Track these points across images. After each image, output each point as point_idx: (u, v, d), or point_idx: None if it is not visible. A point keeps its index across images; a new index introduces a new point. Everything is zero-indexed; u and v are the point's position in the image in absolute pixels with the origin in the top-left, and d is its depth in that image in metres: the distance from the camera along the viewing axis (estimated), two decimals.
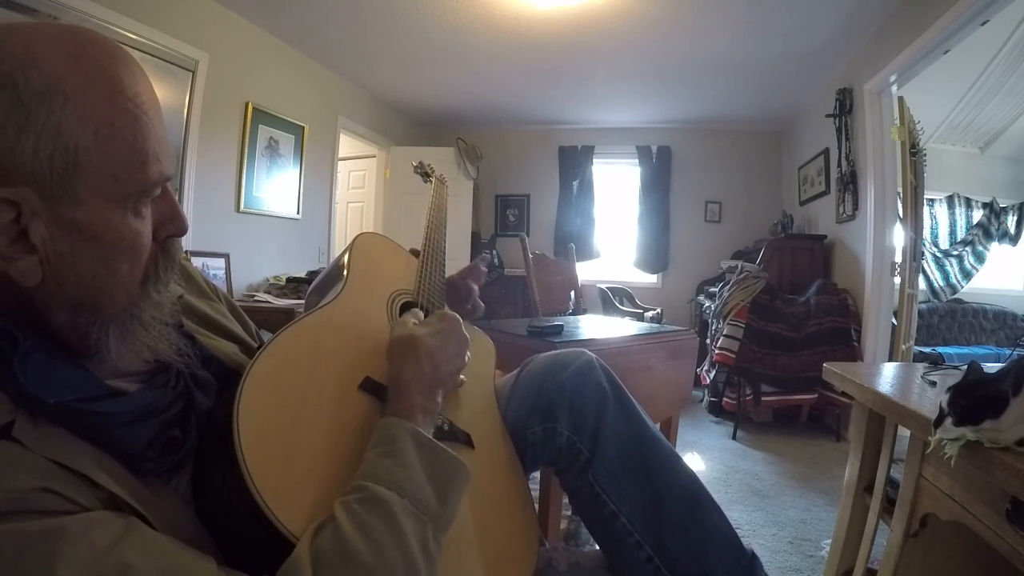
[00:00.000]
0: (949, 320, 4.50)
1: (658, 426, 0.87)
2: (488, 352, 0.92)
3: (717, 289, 3.61)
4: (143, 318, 0.50)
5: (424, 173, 1.30)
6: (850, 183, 3.14)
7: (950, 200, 4.67)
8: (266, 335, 0.61)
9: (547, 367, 0.85)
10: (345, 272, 0.80)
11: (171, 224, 0.51)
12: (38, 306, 0.45)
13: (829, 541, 1.36)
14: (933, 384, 0.99)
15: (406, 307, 0.83)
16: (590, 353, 0.86)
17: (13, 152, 0.40)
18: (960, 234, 4.66)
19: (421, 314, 0.75)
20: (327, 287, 0.84)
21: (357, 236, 0.90)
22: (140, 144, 0.45)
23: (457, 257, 4.56)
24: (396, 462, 0.53)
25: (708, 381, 3.36)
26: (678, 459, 0.83)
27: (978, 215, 4.63)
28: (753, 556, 0.79)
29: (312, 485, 0.52)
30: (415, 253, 0.97)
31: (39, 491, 0.38)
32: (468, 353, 0.72)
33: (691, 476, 0.81)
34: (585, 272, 4.28)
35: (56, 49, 0.42)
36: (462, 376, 0.72)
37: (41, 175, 0.41)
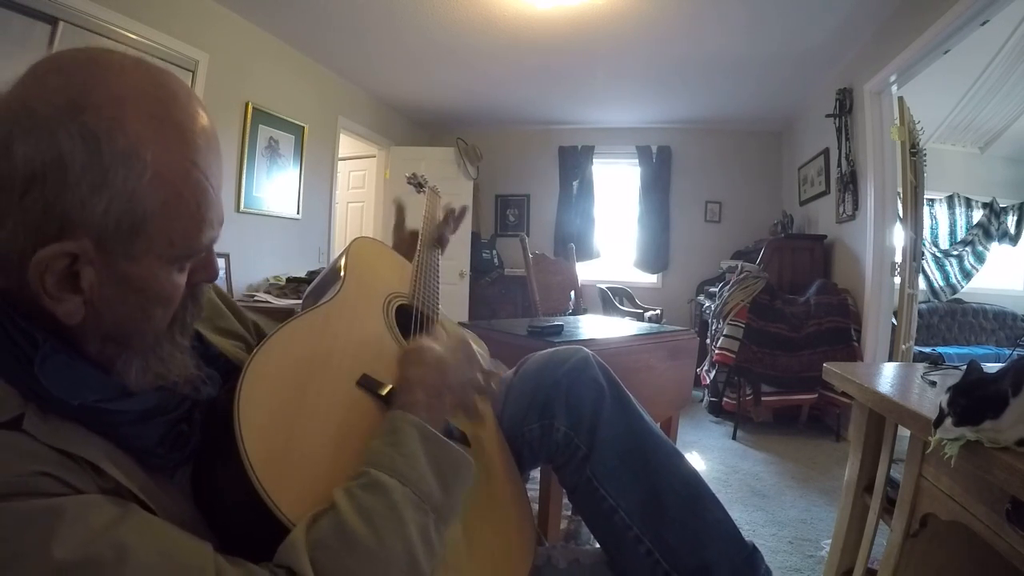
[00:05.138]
0: (949, 320, 4.50)
1: (658, 425, 0.87)
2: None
3: (717, 289, 3.61)
4: (163, 356, 0.52)
5: (418, 184, 1.33)
6: (850, 183, 3.14)
7: (950, 200, 4.67)
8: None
9: (543, 364, 0.86)
10: (342, 274, 0.81)
11: (203, 272, 0.53)
12: (72, 336, 0.46)
13: (829, 541, 1.36)
14: (933, 384, 0.99)
15: (401, 310, 0.84)
16: (586, 350, 0.87)
17: (83, 207, 0.41)
18: (960, 234, 4.66)
19: (444, 333, 0.75)
20: (323, 290, 0.85)
21: (354, 240, 0.91)
22: (202, 214, 0.47)
23: (457, 257, 4.57)
24: (399, 451, 0.54)
25: (708, 381, 3.36)
26: (677, 454, 0.83)
27: (978, 215, 4.63)
28: (754, 549, 0.79)
29: (311, 476, 0.52)
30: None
31: (37, 474, 0.38)
32: (492, 384, 0.71)
33: (690, 470, 0.81)
34: (585, 272, 4.28)
35: (142, 109, 0.43)
36: (478, 404, 0.71)
37: (104, 232, 0.42)
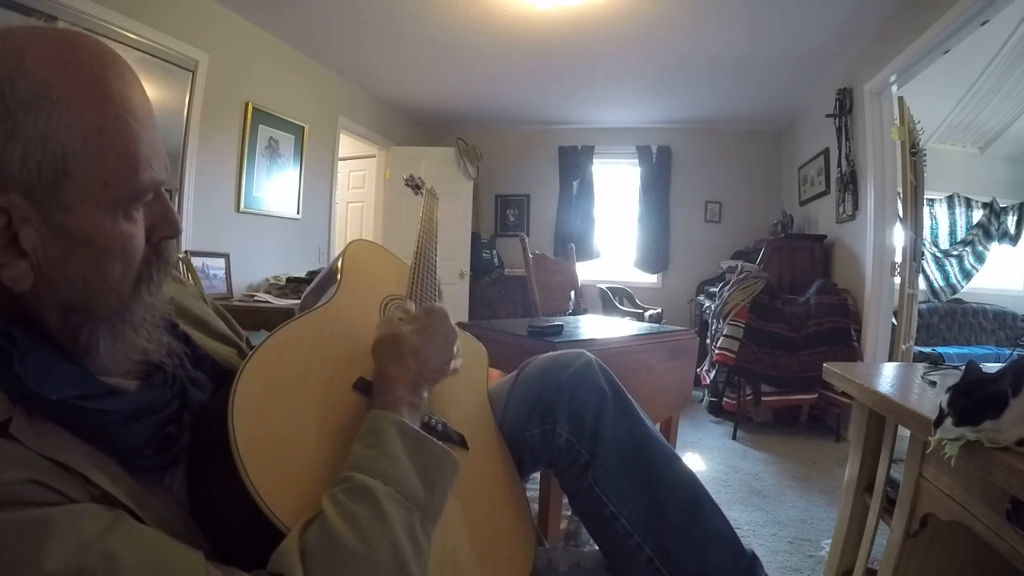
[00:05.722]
0: (949, 320, 4.50)
1: (658, 426, 0.87)
2: (480, 356, 0.93)
3: (717, 289, 3.61)
4: (134, 320, 0.50)
5: (415, 186, 1.33)
6: (850, 183, 3.14)
7: (950, 200, 4.67)
8: (264, 335, 0.62)
9: (546, 368, 0.85)
10: (339, 276, 0.81)
11: (164, 226, 0.51)
12: (30, 308, 0.45)
13: (829, 541, 1.36)
14: (933, 384, 0.99)
15: None
16: (589, 354, 0.87)
17: (0, 160, 0.41)
18: (960, 234, 4.66)
19: (412, 305, 0.75)
20: (321, 292, 0.85)
21: (350, 243, 0.92)
22: (131, 150, 0.45)
23: (457, 257, 4.57)
24: (380, 452, 0.54)
25: (708, 381, 3.36)
26: (678, 460, 0.83)
27: (978, 215, 4.63)
28: (753, 557, 0.79)
29: (306, 481, 0.52)
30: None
31: (27, 483, 0.38)
32: (457, 344, 0.72)
33: (691, 477, 0.82)
34: (585, 272, 4.28)
35: (44, 55, 0.42)
36: (458, 362, 0.72)
37: (30, 182, 0.41)
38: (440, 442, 0.59)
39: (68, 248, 0.44)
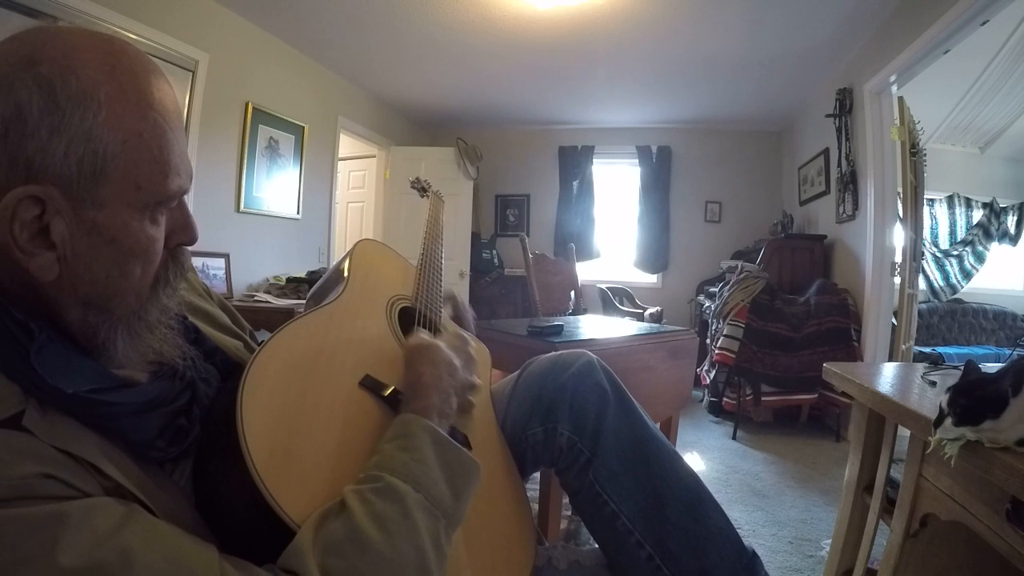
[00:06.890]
0: (949, 320, 4.50)
1: (658, 426, 0.87)
2: (482, 356, 0.93)
3: (717, 289, 3.61)
4: (149, 320, 0.51)
5: (421, 188, 1.33)
6: (850, 183, 3.14)
7: (950, 200, 4.67)
8: (266, 335, 0.62)
9: (548, 368, 0.86)
10: (346, 275, 0.81)
11: (183, 233, 0.53)
12: (51, 302, 0.46)
13: (829, 541, 1.36)
14: (933, 384, 0.99)
15: (404, 312, 0.84)
16: (591, 354, 0.87)
17: (44, 152, 0.42)
18: (960, 234, 4.66)
19: (427, 333, 0.76)
20: (327, 291, 0.85)
21: (358, 242, 0.92)
22: (164, 157, 0.47)
23: (457, 257, 4.57)
24: (413, 456, 0.54)
25: (708, 381, 3.36)
26: (679, 458, 0.83)
27: (978, 215, 4.63)
28: (754, 555, 0.79)
29: (314, 476, 0.53)
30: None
31: (41, 477, 0.38)
32: (477, 377, 0.74)
33: (692, 475, 0.82)
34: (585, 272, 4.28)
35: (94, 58, 0.44)
36: (472, 399, 0.73)
37: (68, 177, 0.43)
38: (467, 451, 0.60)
39: (95, 244, 0.45)
